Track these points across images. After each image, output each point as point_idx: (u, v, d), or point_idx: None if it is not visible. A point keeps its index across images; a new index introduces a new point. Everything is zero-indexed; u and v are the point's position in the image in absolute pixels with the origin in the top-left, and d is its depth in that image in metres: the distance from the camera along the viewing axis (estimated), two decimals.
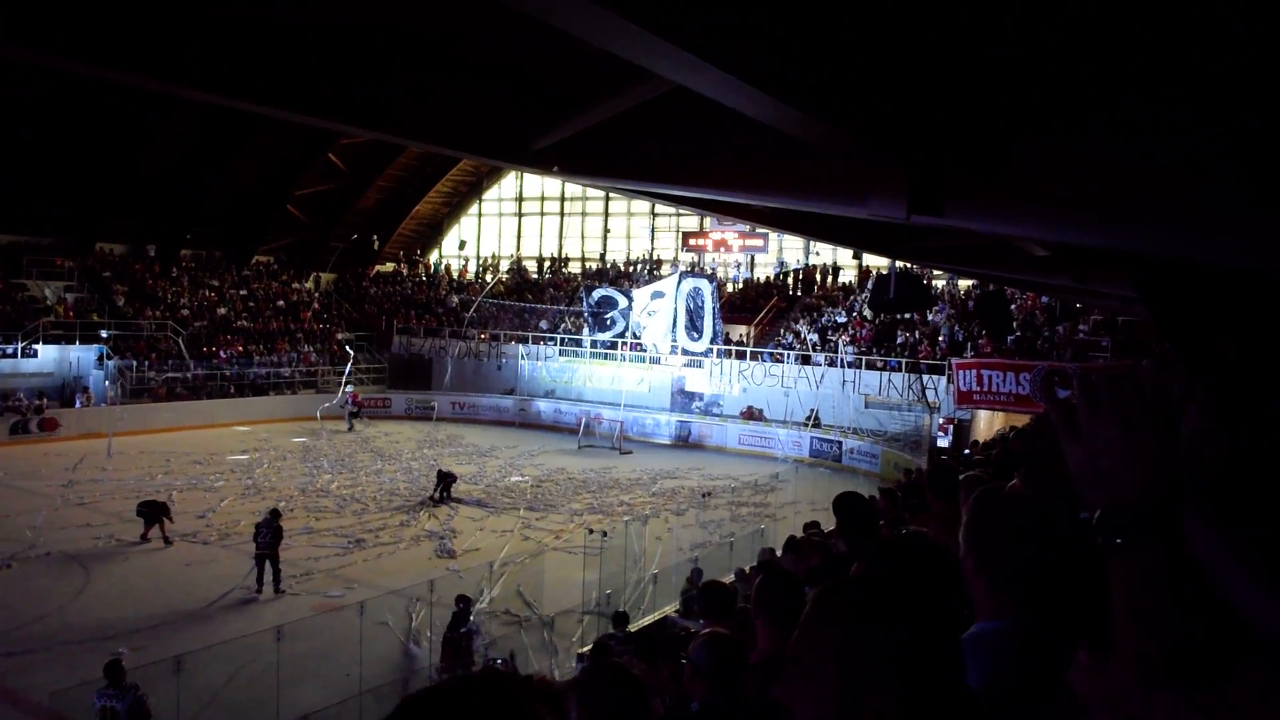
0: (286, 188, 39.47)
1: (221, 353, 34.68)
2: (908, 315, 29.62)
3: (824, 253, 37.84)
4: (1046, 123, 3.33)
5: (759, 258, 40.96)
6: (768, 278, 39.82)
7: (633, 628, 11.71)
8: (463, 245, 47.94)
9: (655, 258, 43.23)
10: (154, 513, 17.88)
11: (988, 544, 2.13)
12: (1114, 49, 2.81)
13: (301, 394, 35.63)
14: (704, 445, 32.04)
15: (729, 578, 12.94)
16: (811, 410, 30.56)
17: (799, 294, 37.63)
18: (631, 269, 42.57)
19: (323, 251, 43.98)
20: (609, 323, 33.40)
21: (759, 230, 33.97)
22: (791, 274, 38.85)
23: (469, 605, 12.56)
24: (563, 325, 38.78)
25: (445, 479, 22.69)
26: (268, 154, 37.13)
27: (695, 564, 14.97)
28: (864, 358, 30.00)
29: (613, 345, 34.72)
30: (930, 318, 30.67)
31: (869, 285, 32.86)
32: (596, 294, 34.06)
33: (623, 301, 33.10)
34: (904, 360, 29.06)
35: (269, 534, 15.36)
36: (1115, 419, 1.17)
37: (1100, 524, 1.17)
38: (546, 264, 46.06)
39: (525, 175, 42.52)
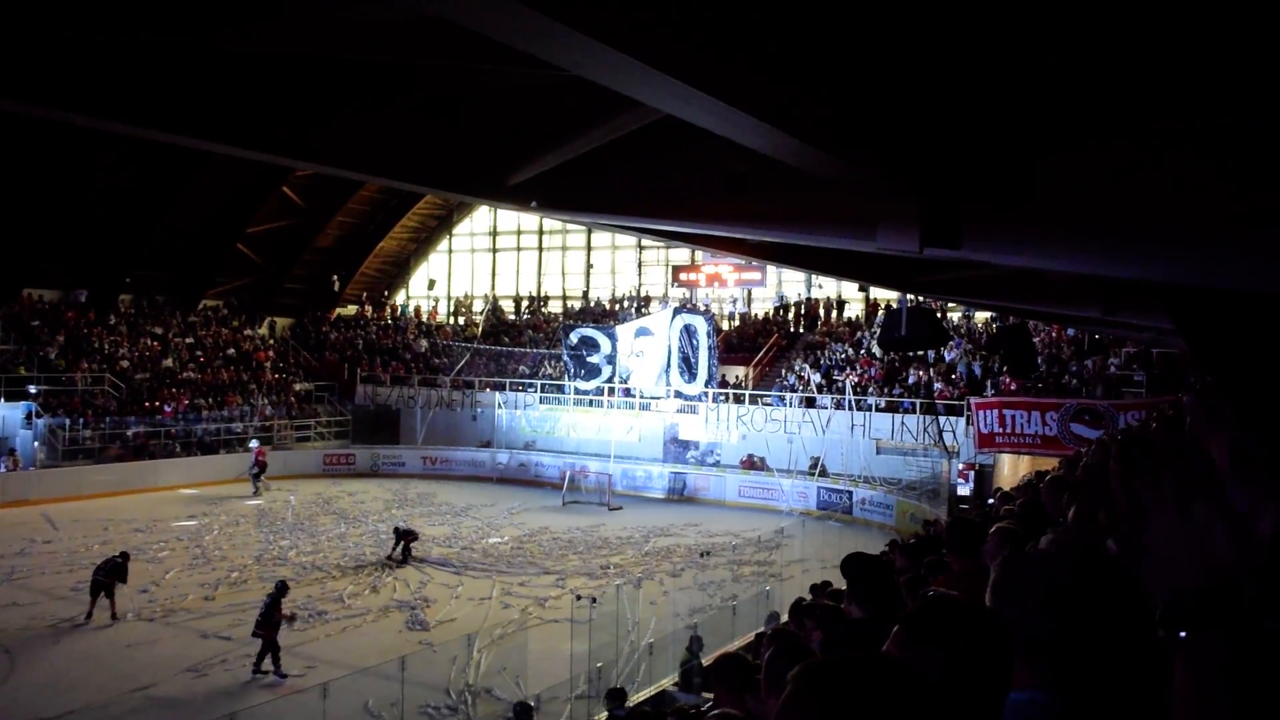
0: (237, 225, 39.58)
1: (166, 407, 34.52)
2: (920, 353, 29.77)
3: (827, 285, 38.08)
4: (1073, 141, 3.33)
5: (756, 292, 41.11)
6: (766, 313, 39.99)
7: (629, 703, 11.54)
8: (432, 285, 48.12)
9: (643, 294, 43.41)
10: (110, 581, 17.68)
11: (1016, 609, 2.12)
12: (1145, 58, 2.79)
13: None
14: (700, 498, 32.03)
15: (733, 645, 12.79)
16: (817, 458, 30.60)
17: (801, 331, 37.81)
18: (617, 307, 42.71)
19: (278, 294, 44.04)
20: (593, 370, 33.56)
21: (756, 263, 33.27)
22: (793, 309, 39.11)
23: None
24: (543, 370, 38.91)
25: (404, 537, 22.61)
26: (215, 189, 37.28)
27: (695, 631, 14.78)
28: (874, 399, 30.08)
29: (599, 390, 34.85)
30: (946, 354, 30.85)
31: (878, 321, 33.34)
32: (576, 335, 34.25)
33: (605, 344, 33.30)
34: (918, 401, 29.15)
35: (269, 611, 15.09)
36: (1172, 505, 1.15)
37: (1163, 617, 1.14)
38: (524, 303, 46.19)
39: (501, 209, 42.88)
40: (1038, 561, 2.27)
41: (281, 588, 15.65)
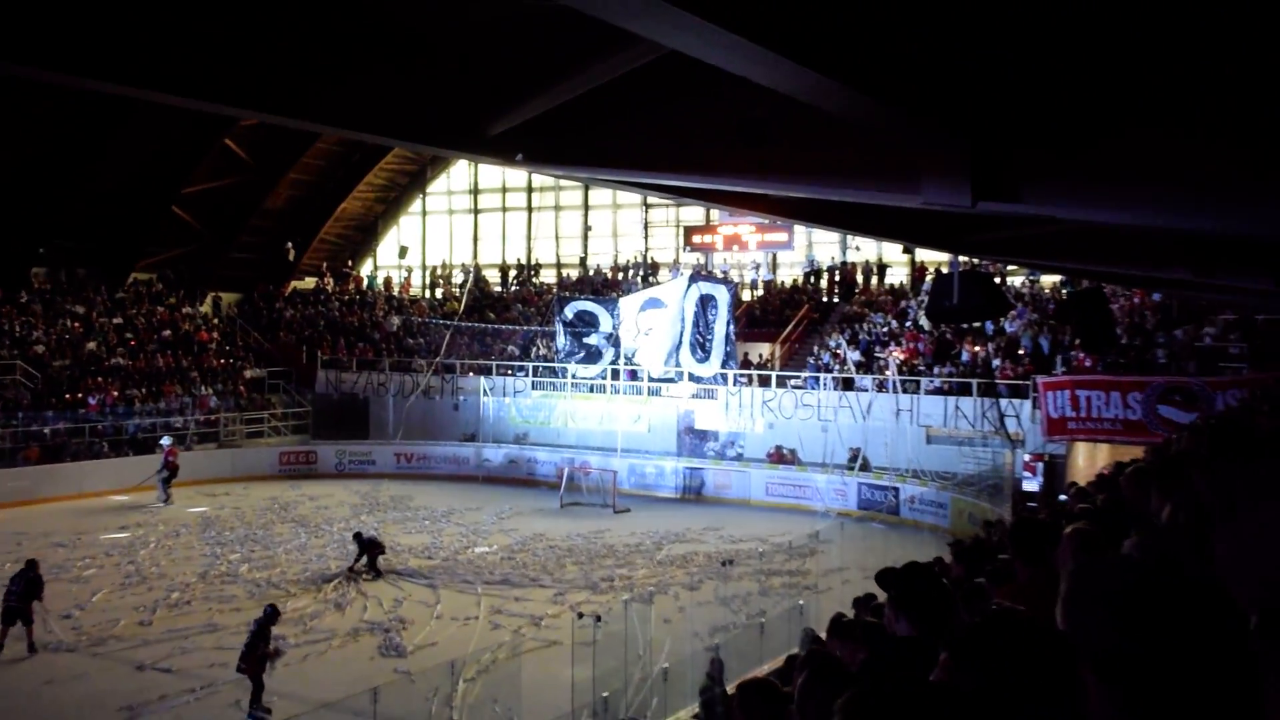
0: (171, 184, 39.46)
1: (90, 400, 34.48)
2: (976, 325, 29.65)
3: (866, 247, 38.18)
4: (1163, 73, 3.29)
5: (783, 256, 41.06)
6: (795, 280, 39.88)
7: None
8: (404, 252, 48.17)
9: (650, 260, 43.31)
10: (24, 606, 17.51)
11: (1093, 624, 2.11)
12: None
13: (199, 450, 35.54)
14: (721, 498, 32.16)
15: (761, 669, 12.77)
16: (857, 449, 30.61)
17: (835, 300, 37.60)
18: (620, 276, 42.61)
19: (222, 265, 44.00)
20: (592, 353, 33.62)
21: (781, 222, 33.92)
22: (825, 275, 38.95)
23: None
24: (535, 350, 38.88)
25: (368, 549, 22.67)
26: (144, 142, 37.11)
27: (716, 653, 14.80)
28: (923, 379, 30.01)
29: (601, 374, 34.89)
30: (1007, 326, 30.80)
31: (925, 287, 33.34)
32: (571, 309, 34.22)
33: (605, 320, 33.29)
34: (975, 381, 29.03)
35: (254, 642, 15.08)
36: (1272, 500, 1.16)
37: (1262, 627, 1.15)
38: (512, 273, 46.13)
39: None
40: (1114, 569, 2.25)
41: (270, 614, 15.62)
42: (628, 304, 33.58)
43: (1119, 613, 2.05)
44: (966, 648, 2.05)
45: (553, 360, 36.69)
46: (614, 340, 33.32)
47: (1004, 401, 27.92)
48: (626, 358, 33.95)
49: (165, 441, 32.46)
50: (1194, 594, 2.01)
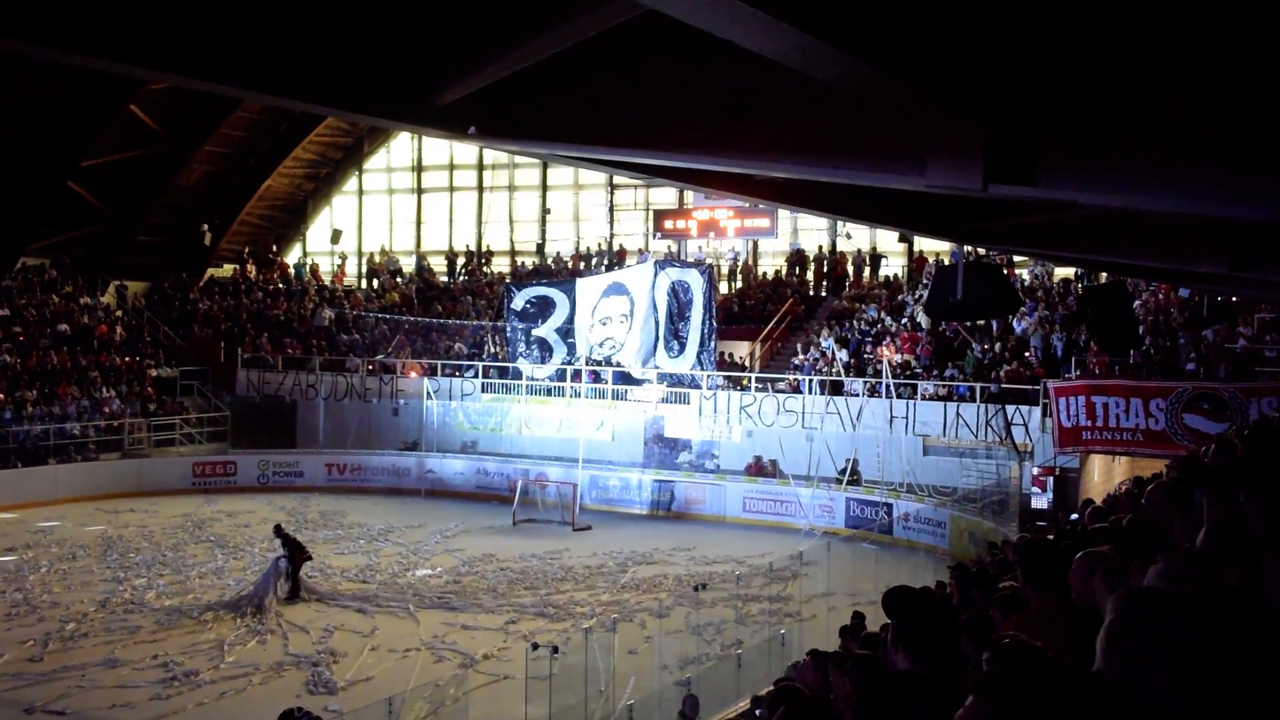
0: (68, 157, 38.90)
1: None
2: (982, 323, 29.84)
3: (858, 235, 38.07)
4: (1198, 45, 3.27)
5: (765, 244, 40.99)
6: (778, 272, 39.85)
7: None
8: (337, 236, 47.94)
9: (617, 247, 43.29)
10: None
11: (1146, 672, 2.07)
12: None
13: (102, 460, 35.15)
14: (693, 514, 32.32)
15: (739, 707, 12.76)
16: (847, 460, 30.63)
17: (824, 294, 37.53)
18: (582, 265, 42.47)
19: (127, 249, 43.62)
20: (545, 348, 33.14)
21: (763, 205, 33.21)
22: (812, 265, 38.91)
23: None
24: (487, 349, 38.77)
25: (293, 549, 22.57)
26: (33, 106, 36.38)
27: (689, 689, 14.89)
28: (921, 383, 30.05)
29: (559, 374, 34.75)
30: (1016, 324, 30.84)
31: (924, 279, 33.57)
32: (522, 297, 33.68)
33: (563, 307, 32.68)
34: (978, 386, 29.11)
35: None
36: None
37: None
38: (461, 261, 46.01)
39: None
40: (1169, 611, 2.17)
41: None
42: (587, 286, 33.09)
43: (1179, 664, 2.03)
44: (1000, 695, 1.99)
45: (505, 359, 36.46)
46: (567, 334, 32.82)
47: (1011, 408, 27.93)
48: (588, 357, 33.58)
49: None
50: (1259, 642, 1.99)
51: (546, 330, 33.06)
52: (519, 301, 33.79)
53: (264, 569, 22.49)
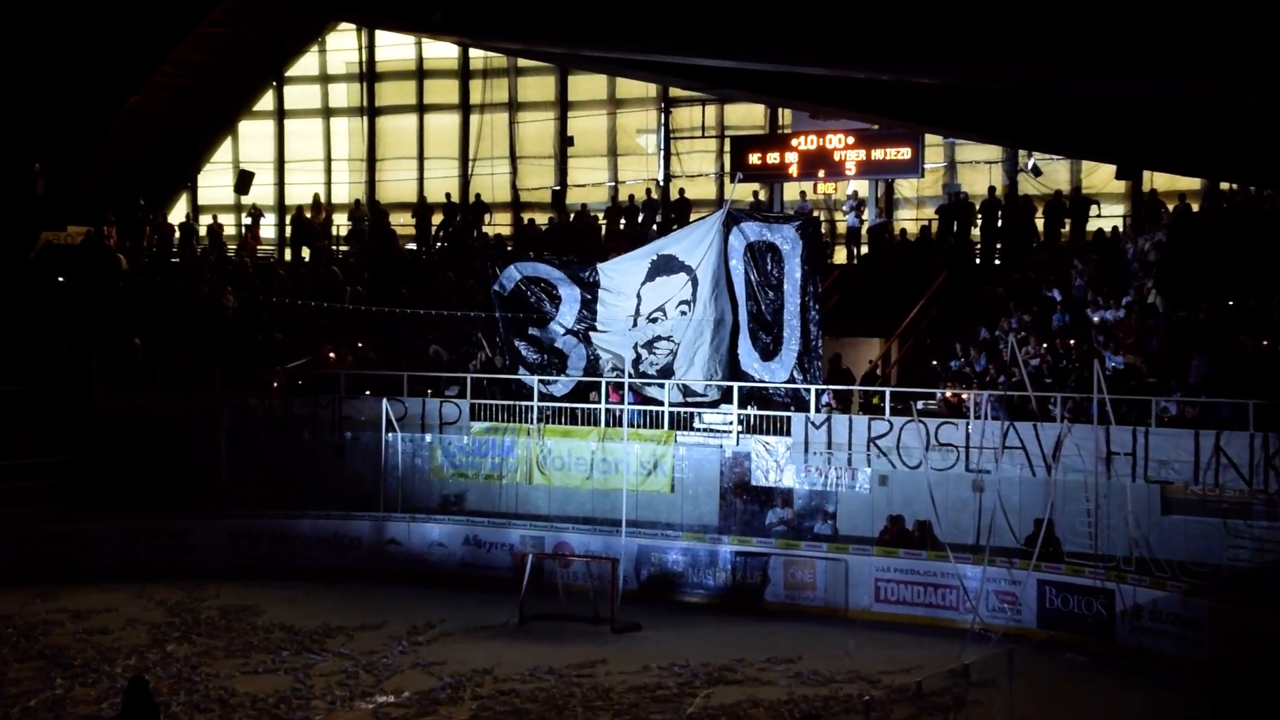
0: None
1: None
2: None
3: (1050, 172, 33.49)
4: None
5: (902, 185, 35.60)
6: (924, 229, 34.39)
7: None
8: (245, 182, 40.57)
9: (675, 194, 36.99)
10: None
11: None
12: None
13: None
14: (798, 605, 27.43)
15: None
16: (1038, 522, 25.34)
17: (996, 261, 32.83)
18: (622, 224, 36.59)
19: None
20: (554, 353, 29.72)
21: (900, 129, 29.84)
22: (979, 217, 33.38)
23: None
24: (479, 352, 32.97)
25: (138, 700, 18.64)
26: None
27: None
28: (1155, 399, 24.79)
29: (578, 390, 29.84)
30: None
31: (1155, 238, 28.74)
32: (510, 277, 29.51)
33: (571, 298, 29.20)
34: (1251, 404, 23.86)
35: None
36: None
37: None
38: (437, 219, 39.34)
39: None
40: None
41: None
42: (620, 271, 28.95)
43: None
44: None
45: (506, 370, 31.34)
46: (582, 335, 29.13)
47: None
48: (617, 366, 29.01)
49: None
50: None
51: (552, 329, 29.70)
52: (507, 281, 29.55)
53: None
